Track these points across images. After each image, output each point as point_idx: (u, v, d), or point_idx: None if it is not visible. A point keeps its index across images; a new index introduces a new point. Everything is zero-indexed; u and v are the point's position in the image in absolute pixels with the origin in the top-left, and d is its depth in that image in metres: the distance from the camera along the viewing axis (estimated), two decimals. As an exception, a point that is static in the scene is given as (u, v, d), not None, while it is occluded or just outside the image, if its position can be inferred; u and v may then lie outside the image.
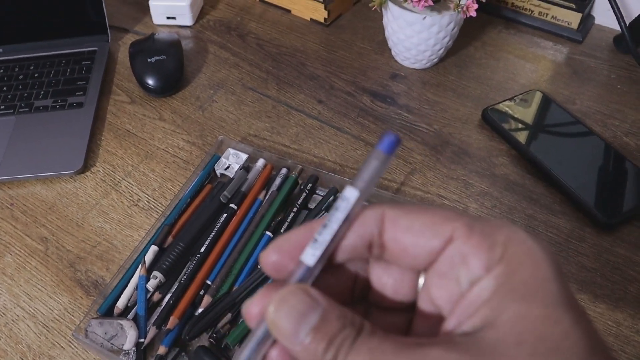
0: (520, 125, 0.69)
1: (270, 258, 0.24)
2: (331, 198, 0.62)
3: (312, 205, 0.62)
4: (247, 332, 0.52)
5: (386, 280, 0.25)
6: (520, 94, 0.73)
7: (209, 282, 0.56)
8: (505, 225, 0.22)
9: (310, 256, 0.23)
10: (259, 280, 0.54)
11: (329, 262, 0.24)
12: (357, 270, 0.26)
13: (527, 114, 0.71)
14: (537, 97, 0.72)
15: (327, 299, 0.22)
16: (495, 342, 0.19)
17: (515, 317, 0.19)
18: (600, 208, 0.60)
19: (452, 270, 0.22)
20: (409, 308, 0.25)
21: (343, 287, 0.24)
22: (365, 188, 0.24)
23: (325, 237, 0.23)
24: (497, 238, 0.21)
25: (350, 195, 0.23)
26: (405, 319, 0.25)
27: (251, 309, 0.23)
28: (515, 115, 0.70)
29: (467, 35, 0.82)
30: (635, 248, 0.58)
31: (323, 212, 0.60)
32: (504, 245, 0.21)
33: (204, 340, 0.53)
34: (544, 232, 0.60)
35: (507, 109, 0.71)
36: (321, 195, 0.63)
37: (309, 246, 0.23)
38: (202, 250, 0.58)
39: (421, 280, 0.25)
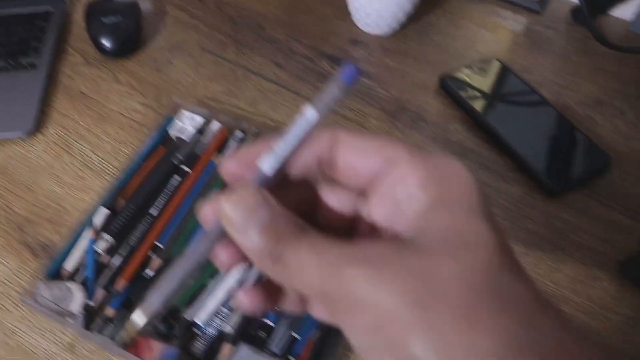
0: (477, 93, 0.69)
1: (230, 167, 0.25)
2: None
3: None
4: (195, 293, 0.52)
5: (333, 202, 0.27)
6: (479, 62, 0.73)
7: (159, 245, 0.55)
8: (442, 153, 0.24)
9: (267, 164, 0.24)
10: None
11: (282, 178, 0.25)
12: (305, 193, 0.27)
13: (485, 82, 0.71)
14: (495, 66, 0.72)
15: (278, 202, 0.24)
16: (422, 243, 0.22)
17: (442, 223, 0.22)
18: (550, 176, 0.61)
19: (392, 189, 0.24)
20: (353, 230, 0.27)
21: (292, 208, 0.24)
22: (323, 111, 0.24)
23: (283, 149, 0.24)
24: (434, 162, 0.23)
25: (309, 115, 0.25)
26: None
27: (206, 210, 0.25)
28: (473, 83, 0.70)
29: (428, 1, 0.82)
30: (580, 214, 0.59)
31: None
32: (439, 168, 0.23)
33: (153, 302, 0.53)
34: (496, 198, 0.61)
35: (464, 76, 0.71)
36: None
37: (266, 155, 0.24)
38: (153, 212, 0.57)
39: (364, 204, 0.26)
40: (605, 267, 0.55)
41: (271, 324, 0.50)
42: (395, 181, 0.24)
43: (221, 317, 0.51)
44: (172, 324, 0.51)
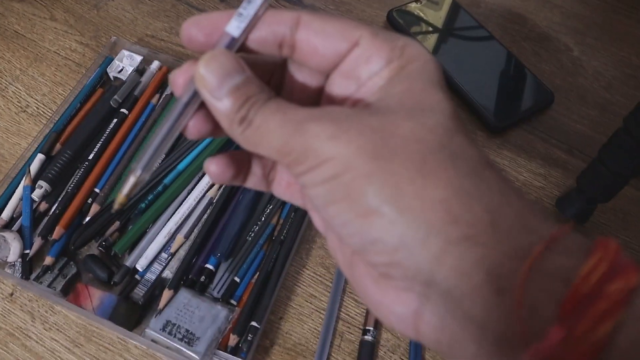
0: (424, 29, 0.67)
1: (190, 30, 0.25)
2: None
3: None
4: (135, 240, 0.51)
5: (298, 82, 0.27)
6: (427, -5, 0.70)
7: (97, 190, 0.53)
8: (405, 36, 0.24)
9: (235, 28, 0.24)
10: (148, 187, 0.52)
11: (243, 52, 0.25)
12: (271, 70, 0.27)
13: (433, 17, 0.68)
14: (444, 0, 0.70)
15: (249, 69, 0.24)
16: (382, 107, 0.23)
17: (401, 90, 0.23)
18: (493, 112, 0.60)
19: (355, 69, 0.24)
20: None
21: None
22: None
23: (249, 11, 0.24)
24: (397, 43, 0.24)
25: None
26: None
27: (177, 77, 0.25)
28: (419, 18, 0.68)
29: None
30: (520, 150, 0.59)
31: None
32: (402, 48, 0.24)
33: (93, 249, 0.51)
34: (438, 136, 0.60)
35: (411, 11, 0.68)
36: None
37: (233, 18, 0.24)
38: (90, 157, 0.55)
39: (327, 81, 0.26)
40: (543, 202, 0.56)
41: (212, 268, 0.49)
42: (358, 61, 0.24)
43: (161, 262, 0.50)
44: (113, 270, 0.50)
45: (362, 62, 0.24)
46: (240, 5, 0.24)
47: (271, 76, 0.28)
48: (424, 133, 0.21)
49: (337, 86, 0.25)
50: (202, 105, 0.25)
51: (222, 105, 0.23)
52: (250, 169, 0.28)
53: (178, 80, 0.25)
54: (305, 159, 0.22)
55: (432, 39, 0.66)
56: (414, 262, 0.20)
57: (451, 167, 0.21)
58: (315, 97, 0.27)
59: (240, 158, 0.27)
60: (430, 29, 0.67)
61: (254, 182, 0.28)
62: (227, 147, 0.55)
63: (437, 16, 0.68)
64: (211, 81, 0.23)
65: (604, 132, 0.59)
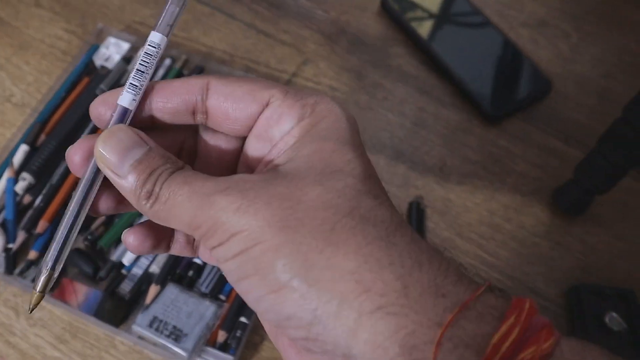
0: (419, 15, 0.65)
1: (97, 109, 0.25)
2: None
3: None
4: (121, 234, 0.49)
5: (212, 147, 0.26)
6: (422, -21, 0.68)
7: (82, 183, 0.52)
8: (316, 93, 0.24)
9: (126, 98, 0.24)
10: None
11: (155, 124, 0.25)
12: (184, 137, 0.27)
13: (427, 3, 0.66)
14: (439, -16, 0.68)
15: (152, 140, 0.23)
16: (291, 170, 0.22)
17: (311, 152, 0.22)
18: (490, 101, 0.58)
19: (267, 130, 0.24)
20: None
21: (170, 151, 0.24)
22: (166, 31, 0.25)
23: (137, 80, 0.24)
24: (308, 100, 0.24)
25: (158, 40, 0.25)
26: None
27: (73, 154, 0.24)
28: (415, 4, 0.66)
29: None
30: (516, 140, 0.57)
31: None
32: (312, 105, 0.23)
33: (78, 243, 0.50)
34: (433, 124, 0.58)
35: (406, -4, 0.66)
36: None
37: (124, 90, 0.24)
38: (75, 149, 0.53)
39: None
40: (539, 194, 0.54)
41: (200, 263, 0.48)
42: (270, 121, 0.24)
43: (147, 257, 0.48)
44: (99, 265, 0.48)
45: (274, 122, 0.24)
46: (131, 77, 0.24)
47: (183, 143, 0.27)
48: (332, 198, 0.21)
49: (253, 148, 0.25)
50: (106, 181, 0.24)
51: (126, 182, 0.22)
52: (173, 236, 0.27)
53: (74, 158, 0.24)
54: (214, 233, 0.21)
55: (427, 25, 0.64)
56: (330, 336, 0.20)
57: (360, 233, 0.20)
58: (233, 161, 0.27)
59: (161, 226, 0.25)
60: (426, 14, 0.65)
61: (178, 249, 0.27)
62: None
63: (433, 2, 0.66)
64: (111, 158, 0.22)
65: (602, 122, 0.57)
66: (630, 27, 0.66)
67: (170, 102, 0.24)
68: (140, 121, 0.25)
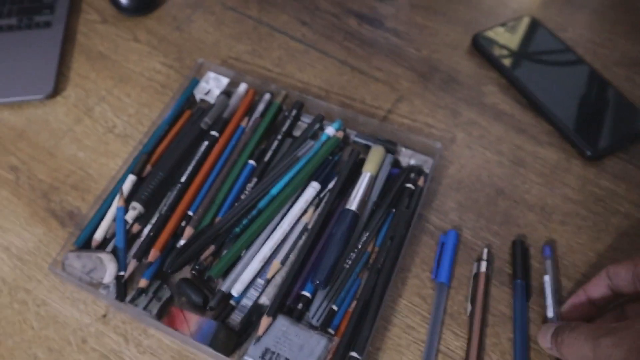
0: (510, 53, 0.65)
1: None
2: (317, 125, 0.58)
3: (296, 133, 0.59)
4: (230, 265, 0.50)
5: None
6: (512, 19, 0.69)
7: (190, 213, 0.53)
8: None
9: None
10: (242, 211, 0.52)
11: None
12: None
13: (518, 41, 0.67)
14: (529, 24, 0.68)
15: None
16: None
17: None
18: (587, 139, 0.58)
19: None
20: None
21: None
22: None
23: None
24: None
25: None
26: None
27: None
28: (506, 42, 0.66)
29: (457, -46, 0.77)
30: (618, 180, 0.56)
31: (308, 140, 0.57)
32: None
33: (186, 272, 0.51)
34: (531, 163, 0.58)
35: (498, 35, 0.67)
36: (306, 123, 0.59)
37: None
38: (182, 179, 0.54)
39: None
40: (646, 235, 0.53)
41: (309, 295, 0.48)
42: None
43: (257, 288, 0.49)
44: (207, 295, 0.49)
45: None
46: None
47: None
48: None
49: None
50: None
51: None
52: None
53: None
54: None
55: (517, 62, 0.64)
56: None
57: None
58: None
59: None
60: (516, 52, 0.65)
61: None
62: (321, 168, 0.54)
63: (521, 40, 0.67)
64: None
65: None
66: None
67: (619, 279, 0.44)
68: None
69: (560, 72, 0.64)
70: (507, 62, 0.64)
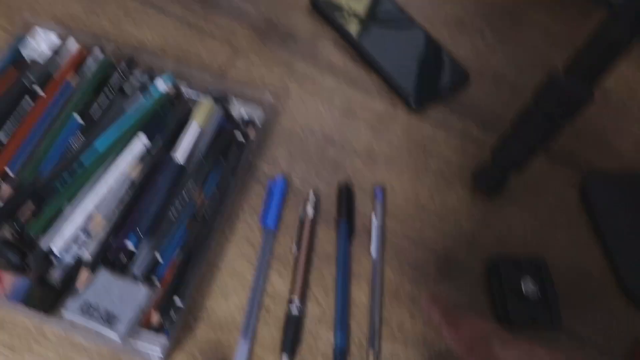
0: (347, 12, 0.66)
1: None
2: (147, 79, 0.55)
3: (128, 89, 0.56)
4: (51, 221, 0.46)
5: None
6: (348, -20, 0.69)
7: (9, 171, 0.49)
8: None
9: None
10: (65, 167, 0.48)
11: None
12: None
13: (356, 2, 0.67)
14: (365, -16, 0.69)
15: None
16: None
17: None
18: (412, 92, 0.59)
19: None
20: None
21: None
22: None
23: None
24: None
25: None
26: None
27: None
28: (341, 2, 0.66)
29: None
30: (438, 128, 0.59)
31: (138, 94, 0.54)
32: None
33: (4, 232, 0.47)
34: (361, 114, 0.59)
35: (334, -6, 0.67)
36: (136, 77, 0.56)
37: None
38: (1, 138, 0.50)
39: None
40: (460, 176, 0.56)
41: (132, 247, 0.46)
42: None
43: (78, 243, 0.46)
44: (26, 253, 0.45)
45: None
46: None
47: None
48: None
49: None
50: None
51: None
52: None
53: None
54: None
55: (354, 21, 0.65)
56: None
57: None
58: None
59: None
60: (354, 14, 0.66)
61: None
62: (152, 121, 0.52)
63: (360, 2, 0.67)
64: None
65: (515, 111, 0.59)
66: (537, 27, 0.69)
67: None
68: None
69: (391, 30, 0.65)
70: (343, 20, 0.64)
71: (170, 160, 0.49)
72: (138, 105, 0.53)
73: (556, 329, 0.48)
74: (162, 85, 0.54)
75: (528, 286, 0.48)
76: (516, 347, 0.31)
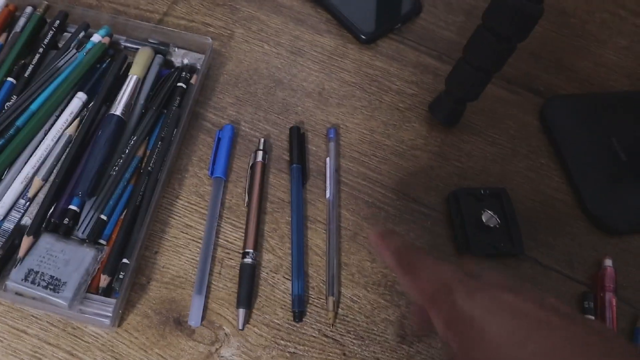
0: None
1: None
2: (82, 34, 0.52)
3: (61, 44, 0.52)
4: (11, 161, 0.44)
5: None
6: None
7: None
8: None
9: None
10: (0, 132, 0.45)
11: None
12: None
13: None
14: None
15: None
16: None
17: None
18: (361, 24, 0.56)
19: None
20: None
21: None
22: None
23: None
24: None
25: None
26: None
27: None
28: None
29: None
30: (390, 60, 0.56)
31: (73, 50, 0.51)
32: None
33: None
34: (309, 52, 0.56)
35: None
36: (71, 33, 0.52)
37: None
38: None
39: None
40: (416, 109, 0.53)
41: (75, 209, 0.44)
42: None
43: (19, 209, 0.44)
44: (-36, 224, 0.43)
45: None
46: None
47: None
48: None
49: None
50: None
51: None
52: None
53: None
54: None
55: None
56: None
57: None
58: None
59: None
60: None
61: None
62: (86, 77, 0.49)
63: None
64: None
65: (471, 36, 0.57)
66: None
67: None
68: None
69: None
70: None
71: (109, 114, 0.46)
72: (74, 62, 0.50)
73: (518, 256, 0.47)
74: (98, 38, 0.51)
75: (488, 215, 0.47)
76: (482, 297, 0.26)
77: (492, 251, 0.46)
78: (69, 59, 0.50)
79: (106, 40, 0.51)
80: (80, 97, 0.48)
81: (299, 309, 0.43)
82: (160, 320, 0.42)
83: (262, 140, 0.49)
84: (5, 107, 0.48)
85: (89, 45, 0.51)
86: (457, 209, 0.48)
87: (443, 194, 0.49)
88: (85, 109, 0.48)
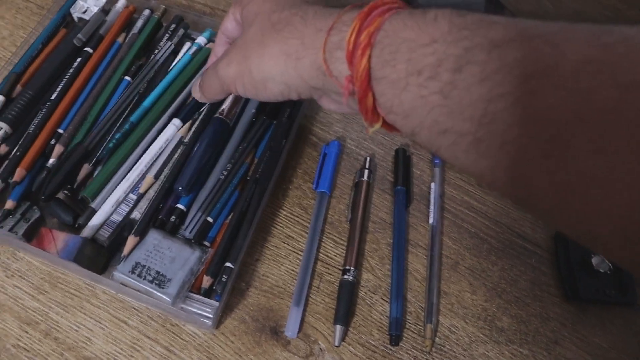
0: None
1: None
2: (193, 39, 0.55)
3: (175, 48, 0.55)
4: (104, 183, 0.46)
5: None
6: None
7: (60, 131, 0.49)
8: None
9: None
10: (117, 128, 0.48)
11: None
12: None
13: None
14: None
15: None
16: None
17: None
18: None
19: None
20: None
21: None
22: None
23: None
24: None
25: None
26: None
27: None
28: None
29: None
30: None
31: (184, 52, 0.53)
32: None
33: (59, 193, 0.47)
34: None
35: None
36: (187, 38, 0.55)
37: None
38: (52, 97, 0.50)
39: None
40: None
41: (183, 208, 0.46)
42: None
43: (128, 203, 0.46)
44: (78, 213, 0.46)
45: None
46: None
47: None
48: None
49: None
50: None
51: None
52: None
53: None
54: None
55: None
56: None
57: None
58: None
59: None
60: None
61: None
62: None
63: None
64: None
65: None
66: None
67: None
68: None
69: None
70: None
71: (220, 119, 0.48)
72: (183, 63, 0.52)
73: (631, 306, 0.45)
74: (203, 40, 0.54)
75: (599, 259, 0.46)
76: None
77: (602, 298, 0.45)
78: (179, 61, 0.53)
79: (211, 44, 0.54)
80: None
81: (396, 333, 0.43)
82: (257, 327, 0.43)
83: (368, 158, 0.50)
84: (122, 104, 0.50)
85: (195, 48, 0.53)
86: (564, 249, 0.47)
87: (550, 232, 0.48)
88: (197, 113, 0.50)
